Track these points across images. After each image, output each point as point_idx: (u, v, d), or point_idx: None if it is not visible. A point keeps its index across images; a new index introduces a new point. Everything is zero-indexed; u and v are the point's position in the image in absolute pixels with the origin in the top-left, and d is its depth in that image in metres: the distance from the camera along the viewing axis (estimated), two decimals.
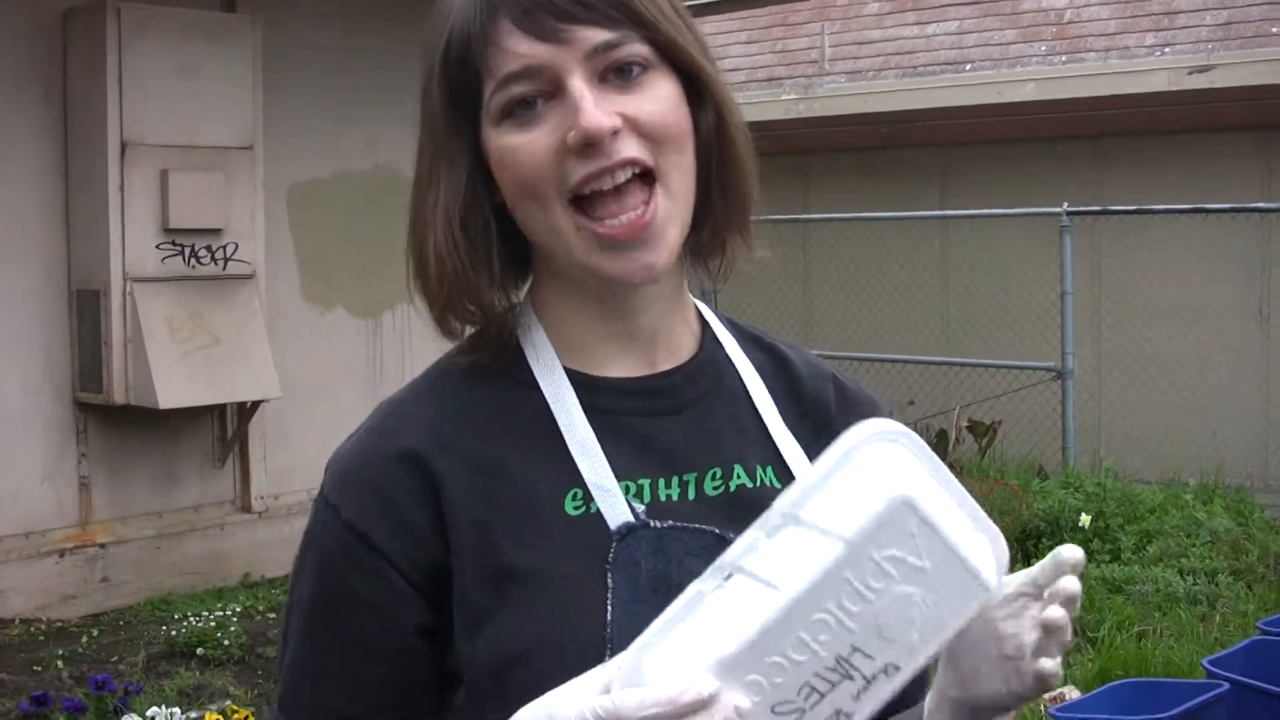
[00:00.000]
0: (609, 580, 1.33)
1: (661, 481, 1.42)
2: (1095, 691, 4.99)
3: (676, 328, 1.50)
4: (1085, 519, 8.82)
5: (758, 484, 1.47)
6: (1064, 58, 12.45)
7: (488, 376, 1.44)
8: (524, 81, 1.32)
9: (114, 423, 7.92)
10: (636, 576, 1.34)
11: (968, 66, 12.94)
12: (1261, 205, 10.57)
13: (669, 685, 1.07)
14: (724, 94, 1.41)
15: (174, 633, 7.12)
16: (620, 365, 1.45)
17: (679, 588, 1.30)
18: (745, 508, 1.41)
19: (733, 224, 1.47)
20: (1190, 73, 11.30)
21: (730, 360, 1.54)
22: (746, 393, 1.53)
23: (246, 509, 8.48)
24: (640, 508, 1.37)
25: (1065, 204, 10.83)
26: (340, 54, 8.81)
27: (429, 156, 1.41)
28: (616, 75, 1.34)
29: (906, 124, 12.49)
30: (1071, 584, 1.29)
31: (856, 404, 1.61)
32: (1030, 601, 1.31)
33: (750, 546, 1.14)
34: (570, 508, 1.37)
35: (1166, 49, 11.92)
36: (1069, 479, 9.75)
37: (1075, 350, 10.96)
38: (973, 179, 12.78)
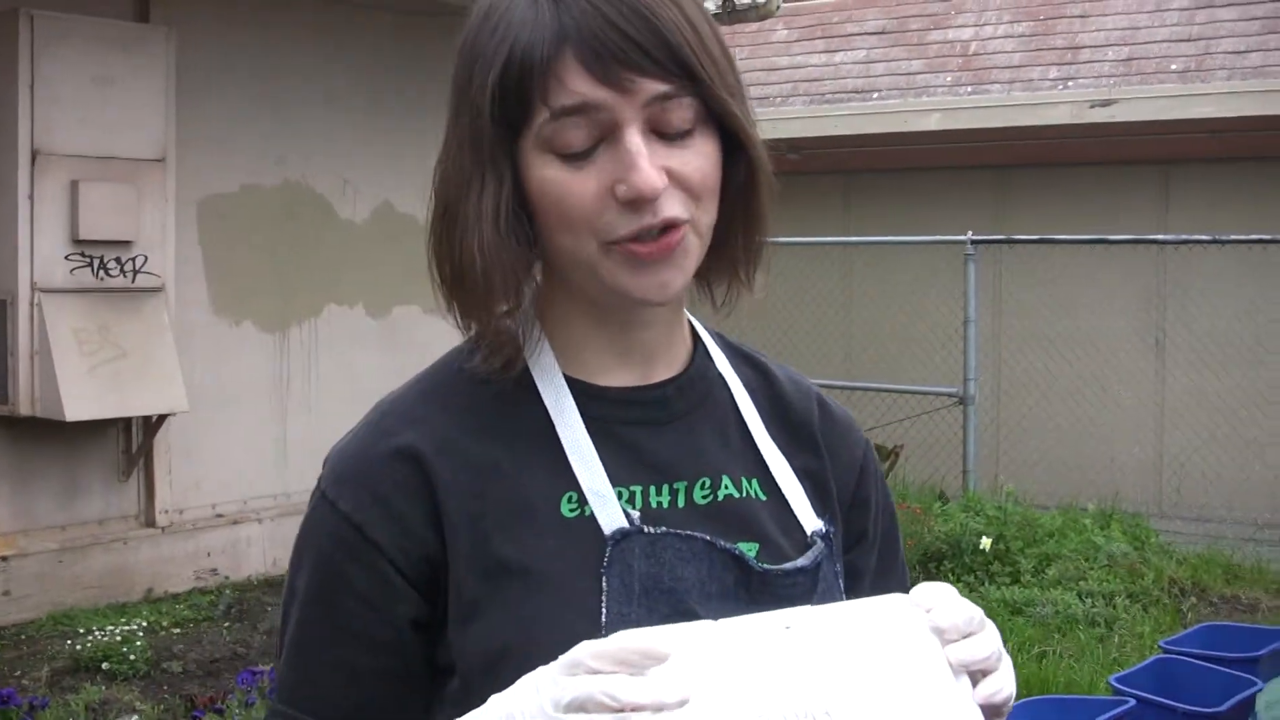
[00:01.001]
0: (603, 583, 1.37)
1: (653, 489, 1.45)
2: None
3: (673, 342, 1.54)
4: (986, 542, 8.94)
5: (744, 495, 1.51)
6: (969, 89, 12.63)
7: (488, 379, 1.46)
8: (579, 118, 1.34)
9: (18, 434, 7.81)
10: (629, 580, 1.37)
11: (874, 95, 13.09)
12: (1159, 237, 10.79)
13: (627, 638, 1.14)
14: (759, 153, 1.44)
15: (78, 647, 7.04)
16: (616, 375, 1.49)
17: (670, 592, 1.34)
18: (732, 517, 1.47)
19: (740, 265, 1.52)
20: (1092, 106, 11.51)
21: (720, 375, 1.58)
22: (735, 406, 1.57)
23: (151, 523, 8.39)
24: (635, 513, 1.40)
25: (970, 232, 10.98)
26: (253, 69, 8.77)
27: (471, 162, 1.41)
28: (667, 129, 1.37)
29: (813, 150, 12.61)
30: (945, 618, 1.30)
31: (837, 423, 1.66)
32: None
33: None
34: (566, 510, 1.40)
35: (1070, 83, 12.14)
36: (970, 502, 9.88)
37: (977, 376, 11.11)
38: (878, 206, 12.95)
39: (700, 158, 1.38)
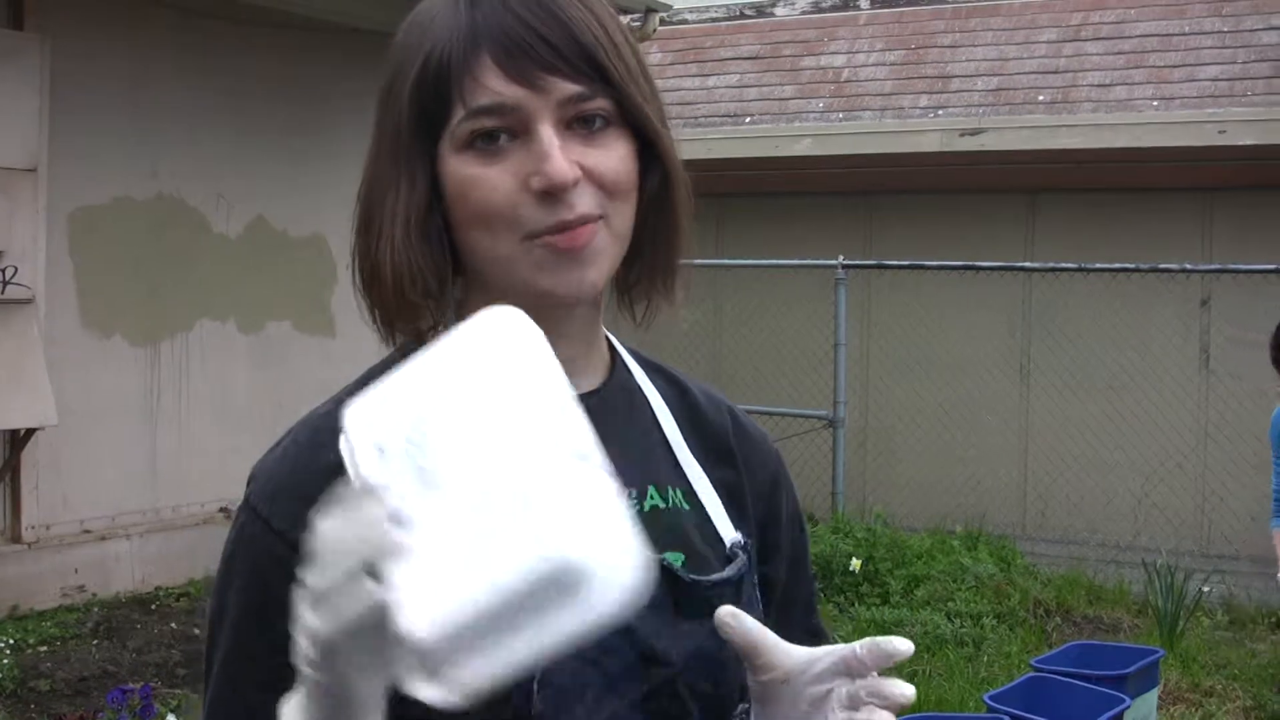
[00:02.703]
0: None
1: None
2: None
3: (591, 355, 1.55)
4: (855, 563, 9.04)
5: (669, 505, 1.52)
6: (841, 115, 12.78)
7: None
8: (494, 117, 1.37)
9: None
10: None
11: (747, 120, 13.20)
12: (1027, 264, 10.99)
13: None
14: (673, 160, 1.48)
15: None
16: None
17: None
18: (659, 527, 1.47)
19: (662, 277, 1.54)
20: (961, 135, 11.70)
21: (639, 387, 1.60)
22: (655, 419, 1.59)
23: (16, 539, 8.23)
24: None
25: (841, 257, 11.10)
26: (128, 80, 8.66)
27: (389, 165, 1.43)
28: (580, 124, 1.39)
29: (685, 173, 12.65)
30: (906, 691, 1.32)
31: (751, 437, 1.69)
32: (849, 682, 1.34)
33: None
34: None
35: (940, 111, 12.33)
36: (839, 524, 9.98)
37: (846, 399, 11.22)
38: (749, 230, 13.02)
39: (613, 157, 1.40)
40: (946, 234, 12.17)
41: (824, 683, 1.34)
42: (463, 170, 1.39)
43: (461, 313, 1.49)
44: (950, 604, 8.69)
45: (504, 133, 1.37)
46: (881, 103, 12.72)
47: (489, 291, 1.45)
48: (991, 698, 5.03)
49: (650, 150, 1.46)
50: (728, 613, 1.34)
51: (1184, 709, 7.32)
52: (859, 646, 1.33)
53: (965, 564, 9.30)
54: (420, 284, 1.41)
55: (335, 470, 1.39)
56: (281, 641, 1.36)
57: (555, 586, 1.00)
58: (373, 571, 1.07)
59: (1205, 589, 8.95)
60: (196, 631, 7.71)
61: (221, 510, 8.94)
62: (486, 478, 1.04)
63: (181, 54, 8.87)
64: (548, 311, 1.44)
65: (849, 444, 11.44)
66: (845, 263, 11.06)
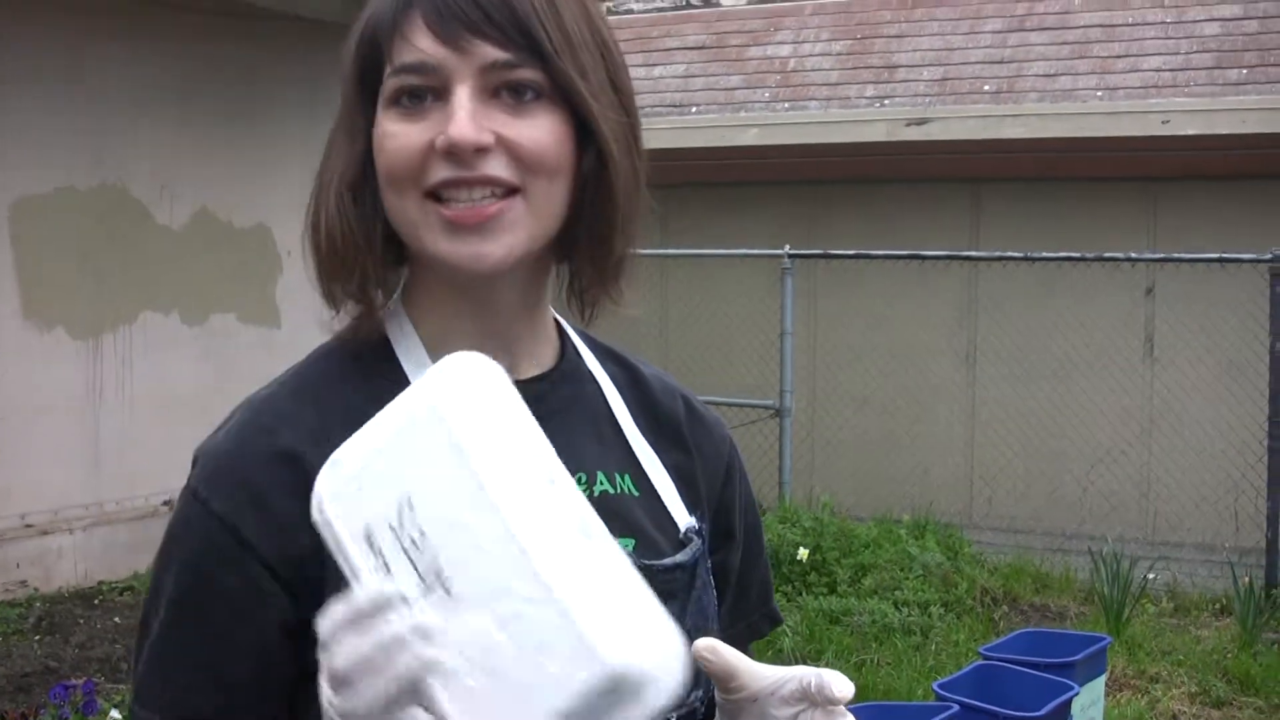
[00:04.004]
0: None
1: None
2: None
3: (538, 337, 1.53)
4: (803, 553, 9.03)
5: (619, 491, 1.51)
6: (787, 105, 12.79)
7: (359, 373, 1.45)
8: (417, 76, 1.36)
9: None
10: None
11: (693, 110, 13.19)
12: (972, 253, 11.02)
13: None
14: (609, 141, 1.42)
15: None
16: None
17: None
18: (609, 514, 1.44)
19: (601, 270, 1.50)
20: (908, 124, 11.73)
21: (590, 372, 1.58)
22: (606, 403, 1.57)
23: None
24: None
25: (787, 246, 11.10)
26: (70, 68, 8.57)
27: (339, 128, 1.45)
28: (510, 94, 1.37)
29: (633, 158, 12.63)
30: None
31: (704, 422, 1.68)
32: (812, 709, 1.33)
33: None
34: None
35: (886, 101, 12.36)
36: (786, 514, 9.97)
37: (793, 389, 11.23)
38: (695, 219, 13.02)
39: (537, 129, 1.38)
40: (893, 223, 12.20)
41: (790, 706, 1.34)
42: (383, 126, 1.39)
43: (408, 297, 1.49)
44: (898, 593, 8.70)
45: (429, 93, 1.37)
46: (828, 93, 12.74)
47: (423, 267, 1.46)
48: (940, 686, 5.04)
49: (589, 130, 1.42)
50: (706, 647, 1.32)
51: (1130, 695, 7.36)
52: (814, 680, 1.32)
53: (912, 553, 9.30)
54: (349, 242, 1.41)
55: (277, 453, 1.37)
56: (215, 625, 1.36)
57: (615, 695, 1.00)
58: (416, 695, 1.05)
59: (1150, 576, 9.00)
60: None
61: (165, 504, 8.86)
62: (504, 577, 1.03)
63: (124, 41, 8.78)
64: (469, 286, 1.44)
65: (796, 433, 11.45)
66: (791, 252, 11.05)
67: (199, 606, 1.37)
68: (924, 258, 10.71)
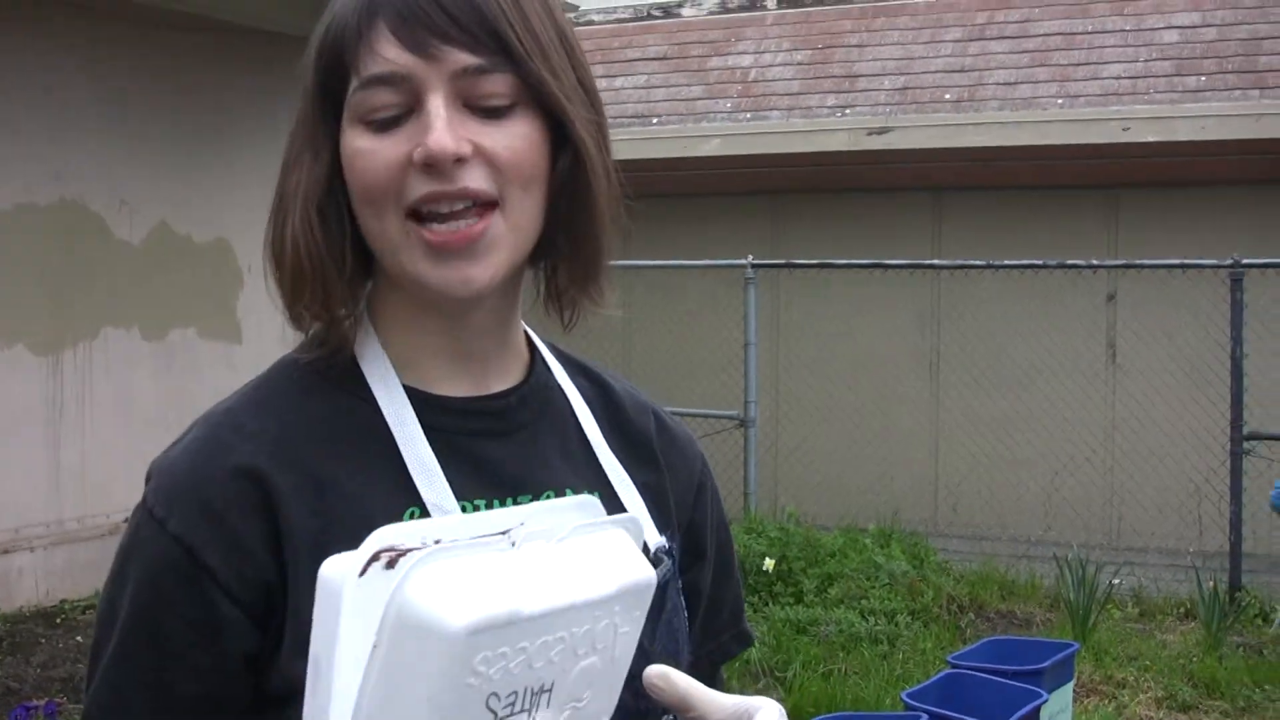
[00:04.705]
0: None
1: (496, 503, 1.40)
2: None
3: (507, 351, 1.49)
4: (769, 563, 9.02)
5: None
6: (749, 115, 12.80)
7: (323, 387, 1.41)
8: (387, 88, 1.32)
9: None
10: None
11: (654, 120, 13.19)
12: (935, 262, 11.04)
13: None
14: (585, 142, 1.39)
15: None
16: (452, 384, 1.44)
17: None
18: None
19: (580, 273, 1.47)
20: (869, 134, 11.75)
21: (559, 386, 1.55)
22: (575, 418, 1.53)
23: None
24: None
25: (750, 257, 11.09)
26: (29, 83, 8.50)
27: (298, 142, 1.39)
28: (482, 103, 1.33)
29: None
30: None
31: (675, 438, 1.64)
32: None
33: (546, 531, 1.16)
34: None
35: (847, 110, 12.38)
36: (752, 524, 9.96)
37: (757, 399, 11.22)
38: (658, 230, 13.01)
39: (513, 137, 1.34)
40: (855, 232, 12.23)
41: None
42: (354, 143, 1.34)
43: (374, 310, 1.45)
44: (864, 602, 8.69)
45: (399, 110, 1.32)
46: (789, 102, 12.76)
47: (394, 282, 1.41)
48: (909, 695, 5.03)
49: (563, 133, 1.39)
50: (657, 674, 1.26)
51: (1098, 701, 7.37)
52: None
53: (878, 561, 9.30)
54: (317, 264, 1.36)
55: (237, 471, 1.33)
56: (171, 647, 1.32)
57: None
58: None
59: (1115, 581, 9.02)
60: None
61: (127, 521, 8.79)
62: None
63: (83, 57, 8.72)
64: (447, 306, 1.40)
65: (760, 443, 11.44)
66: (754, 262, 11.04)
67: (154, 628, 1.33)
68: (887, 267, 10.72)
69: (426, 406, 1.41)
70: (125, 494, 8.63)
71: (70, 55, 8.70)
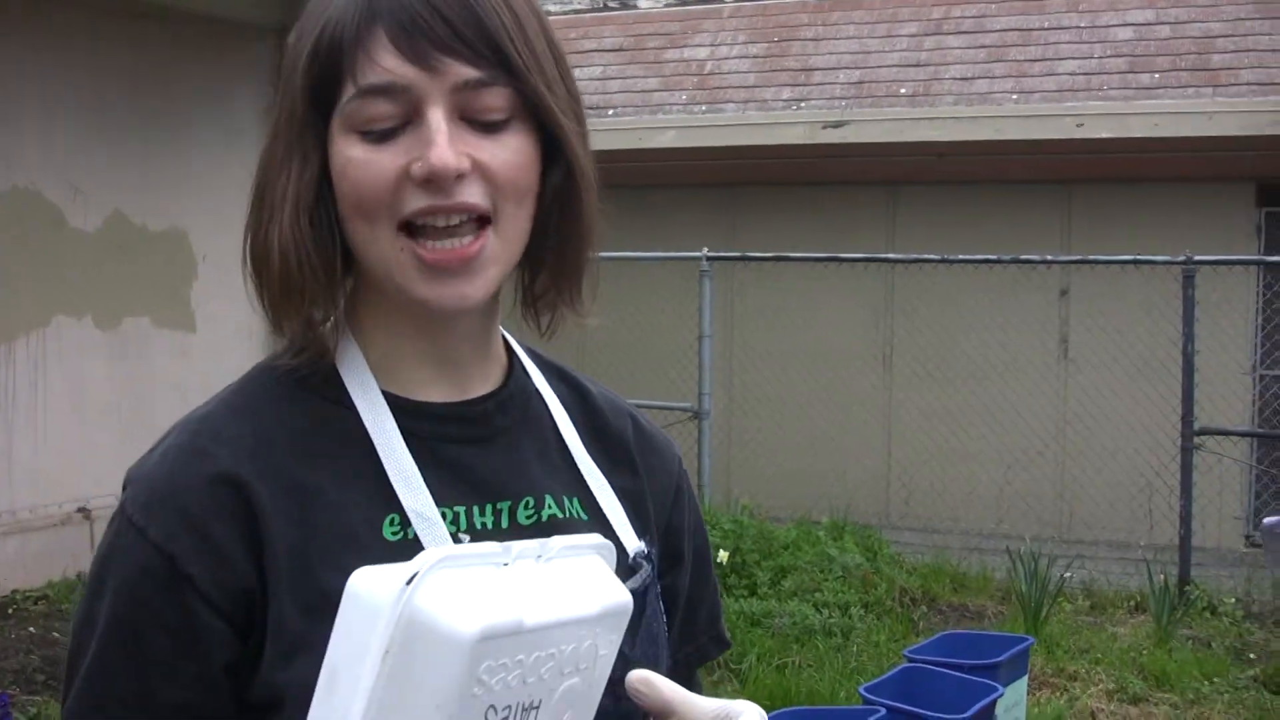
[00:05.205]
0: None
1: (476, 509, 1.40)
2: None
3: (487, 357, 1.49)
4: (723, 555, 9.04)
5: (567, 515, 1.47)
6: (704, 107, 12.81)
7: (302, 393, 1.40)
8: (384, 98, 1.30)
9: None
10: None
11: (610, 112, 13.18)
12: (890, 256, 11.07)
13: None
14: (579, 156, 1.40)
15: None
16: (432, 390, 1.44)
17: None
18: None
19: (563, 282, 1.48)
20: (824, 127, 11.78)
21: (538, 391, 1.54)
22: (553, 424, 1.53)
23: None
24: (465, 537, 1.36)
25: (705, 249, 11.10)
26: None
27: (284, 144, 1.36)
28: (479, 118, 1.32)
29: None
30: None
31: (652, 442, 1.64)
32: None
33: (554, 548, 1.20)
34: (388, 533, 1.34)
35: (802, 104, 12.41)
36: (706, 516, 9.94)
37: (711, 391, 11.23)
38: (613, 222, 12.92)
39: (510, 152, 1.34)
40: (810, 225, 12.26)
41: None
42: (347, 151, 1.32)
43: (353, 315, 1.44)
44: (818, 594, 8.72)
45: (396, 121, 1.31)
46: (745, 95, 12.77)
47: (380, 294, 1.41)
48: (867, 689, 5.05)
49: (555, 146, 1.39)
50: (639, 679, 1.26)
51: (1050, 694, 7.42)
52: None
53: (832, 554, 9.34)
54: (307, 272, 1.35)
55: (217, 479, 1.32)
56: (152, 656, 1.31)
57: None
58: None
59: (1067, 575, 9.09)
60: (56, 635, 7.54)
61: (80, 510, 8.75)
62: None
63: (37, 43, 8.64)
64: (433, 316, 1.40)
65: (714, 436, 11.46)
66: (710, 255, 11.05)
67: (135, 638, 1.31)
68: (842, 260, 10.75)
69: (405, 413, 1.40)
70: (78, 483, 8.60)
71: (23, 44, 8.62)
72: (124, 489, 1.38)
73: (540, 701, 1.15)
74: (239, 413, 1.39)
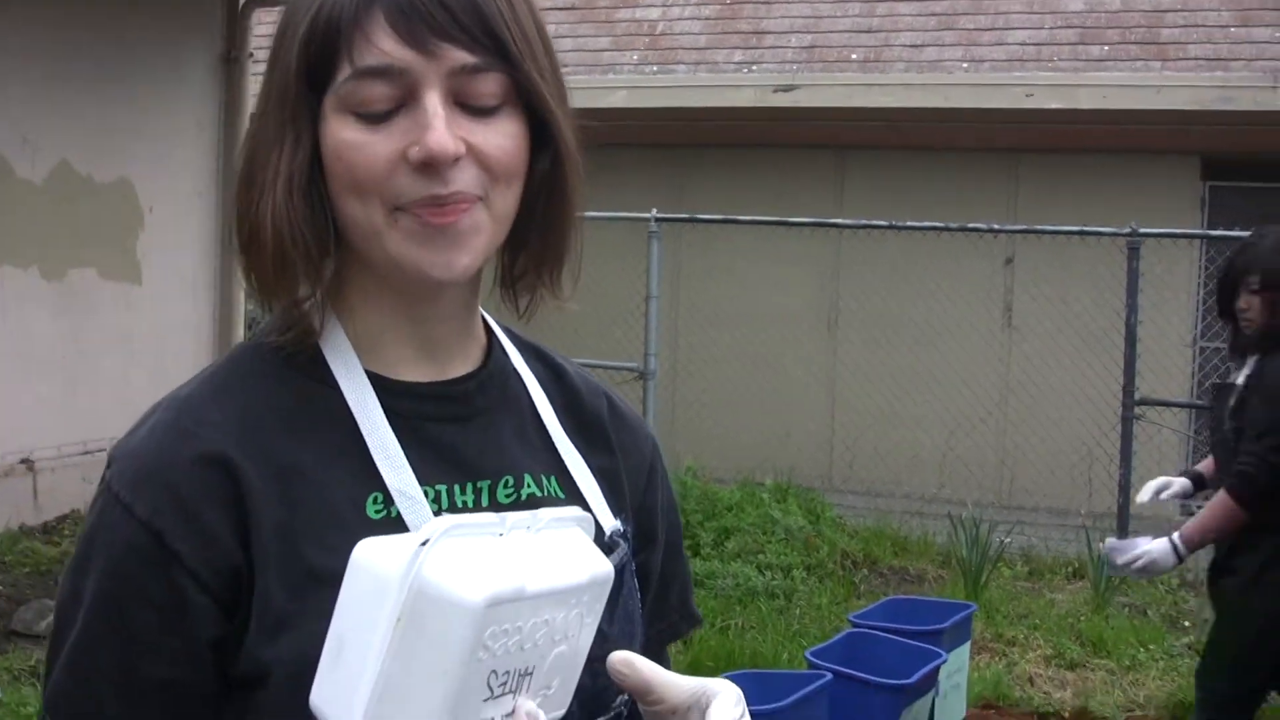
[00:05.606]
0: None
1: (457, 488, 1.42)
2: None
3: (467, 336, 1.51)
4: None
5: (545, 494, 1.49)
6: (655, 68, 12.79)
7: (285, 372, 1.42)
8: (381, 80, 1.32)
9: None
10: None
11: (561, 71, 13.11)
12: (839, 221, 11.10)
13: None
14: (567, 143, 1.42)
15: None
16: (414, 370, 1.45)
17: None
18: None
19: (546, 265, 1.50)
20: (775, 91, 11.80)
21: (516, 371, 1.56)
22: (531, 403, 1.55)
23: None
24: (445, 515, 1.36)
25: (654, 210, 11.09)
26: None
27: (275, 123, 1.37)
28: (472, 102, 1.34)
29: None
30: None
31: (627, 421, 1.66)
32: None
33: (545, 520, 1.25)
34: (371, 511, 1.36)
35: (754, 67, 12.41)
36: None
37: (657, 351, 11.24)
38: None
39: (503, 137, 1.35)
40: (759, 189, 12.28)
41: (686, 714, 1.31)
42: (342, 133, 1.34)
43: (336, 294, 1.45)
44: (761, 556, 8.79)
45: (391, 105, 1.32)
46: (696, 57, 12.76)
47: (366, 272, 1.42)
48: (813, 654, 5.11)
49: (543, 131, 1.40)
50: (621, 660, 1.29)
51: (989, 658, 7.52)
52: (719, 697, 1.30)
53: (775, 516, 9.41)
54: (301, 248, 1.36)
55: (204, 458, 1.33)
56: (138, 632, 1.32)
57: None
58: None
59: (1006, 540, 9.19)
60: None
61: (23, 462, 8.69)
62: None
63: None
64: (419, 291, 1.42)
65: (659, 397, 11.47)
66: (658, 216, 11.04)
67: (121, 613, 1.33)
68: (790, 224, 10.77)
69: (388, 392, 1.42)
70: (21, 435, 8.55)
71: None
72: (109, 465, 1.38)
73: (534, 668, 1.18)
74: (225, 391, 1.40)
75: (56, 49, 8.95)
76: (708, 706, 1.29)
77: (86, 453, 8.76)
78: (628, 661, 1.29)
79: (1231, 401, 5.02)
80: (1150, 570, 5.00)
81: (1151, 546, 4.95)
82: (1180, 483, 5.49)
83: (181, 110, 9.64)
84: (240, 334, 10.00)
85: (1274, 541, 4.85)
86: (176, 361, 9.14)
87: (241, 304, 10.03)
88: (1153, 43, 11.48)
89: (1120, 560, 5.01)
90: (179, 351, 9.43)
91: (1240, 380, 5.04)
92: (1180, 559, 4.95)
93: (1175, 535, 4.94)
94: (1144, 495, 5.55)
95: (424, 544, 1.11)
